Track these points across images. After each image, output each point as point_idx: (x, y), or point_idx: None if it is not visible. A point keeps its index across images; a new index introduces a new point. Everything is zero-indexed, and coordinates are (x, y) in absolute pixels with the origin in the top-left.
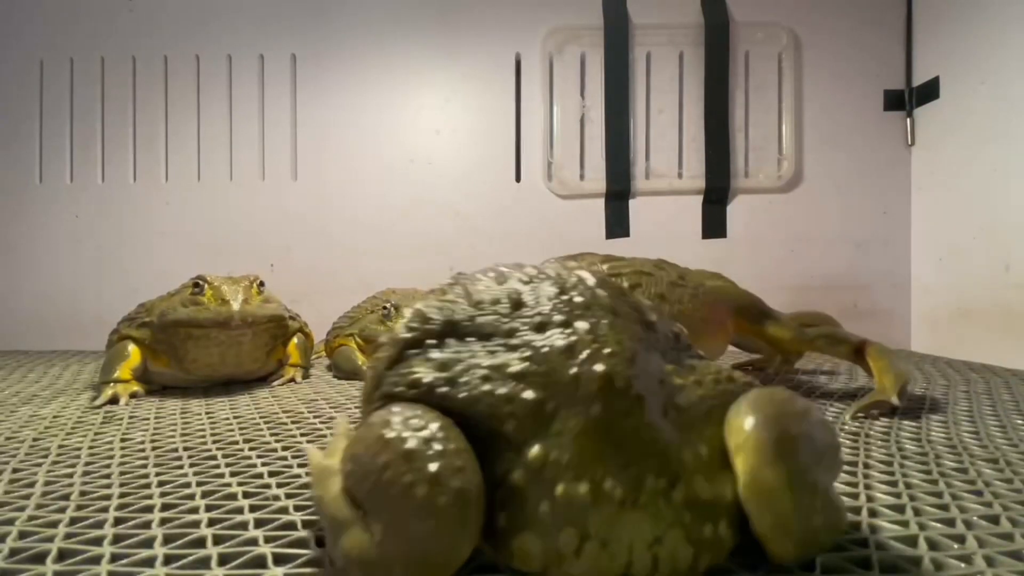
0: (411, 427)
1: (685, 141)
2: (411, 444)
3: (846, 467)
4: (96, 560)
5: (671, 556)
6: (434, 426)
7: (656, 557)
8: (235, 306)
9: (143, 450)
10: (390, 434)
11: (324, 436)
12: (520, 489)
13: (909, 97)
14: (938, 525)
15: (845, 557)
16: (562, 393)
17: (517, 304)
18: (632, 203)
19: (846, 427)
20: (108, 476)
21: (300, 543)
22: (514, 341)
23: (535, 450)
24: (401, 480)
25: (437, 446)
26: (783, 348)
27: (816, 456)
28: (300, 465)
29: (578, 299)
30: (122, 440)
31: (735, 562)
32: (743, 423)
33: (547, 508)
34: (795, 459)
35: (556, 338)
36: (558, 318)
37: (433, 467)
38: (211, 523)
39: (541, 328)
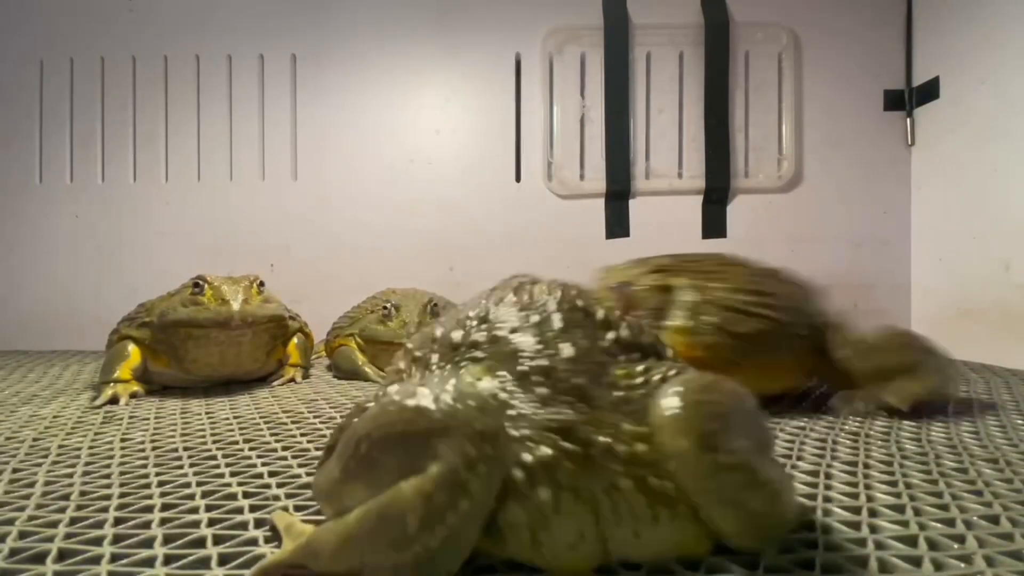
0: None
1: (685, 141)
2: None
3: (846, 467)
4: (96, 560)
5: (628, 503)
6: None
7: (615, 504)
8: (235, 306)
9: (143, 450)
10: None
11: (324, 436)
12: None
13: (909, 97)
14: (938, 525)
15: (845, 557)
16: (513, 384)
17: (483, 320)
18: (632, 203)
19: (846, 427)
20: (108, 476)
21: None
22: (477, 353)
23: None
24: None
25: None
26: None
27: (732, 425)
28: (300, 465)
29: (535, 317)
30: (122, 440)
31: (735, 561)
32: (660, 409)
33: (521, 473)
34: (714, 446)
35: (510, 344)
36: (515, 326)
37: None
38: (211, 523)
39: (495, 341)
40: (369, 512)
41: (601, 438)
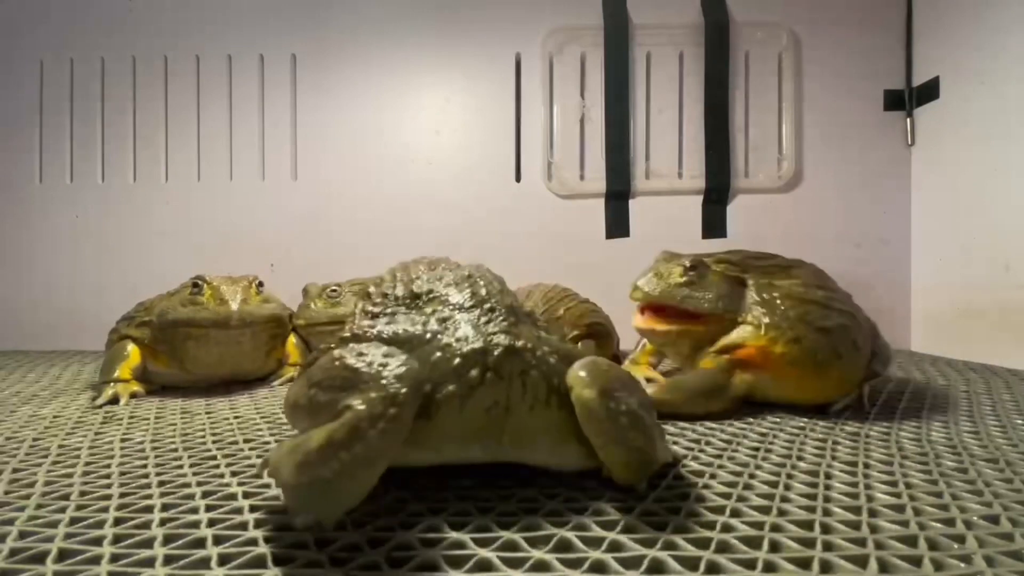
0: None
1: (685, 141)
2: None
3: (846, 467)
4: (96, 560)
5: (534, 385)
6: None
7: (524, 383)
8: (234, 306)
9: (143, 450)
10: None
11: None
12: (438, 362)
13: (909, 97)
14: (938, 525)
15: (845, 556)
16: (463, 311)
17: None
18: (632, 203)
19: (846, 427)
20: (108, 476)
21: (300, 544)
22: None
23: (447, 337)
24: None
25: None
26: None
27: (620, 385)
28: None
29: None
30: (122, 440)
31: (734, 560)
32: (573, 373)
33: (459, 361)
34: (612, 395)
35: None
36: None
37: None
38: (211, 523)
39: (449, 285)
40: (294, 440)
41: (524, 341)
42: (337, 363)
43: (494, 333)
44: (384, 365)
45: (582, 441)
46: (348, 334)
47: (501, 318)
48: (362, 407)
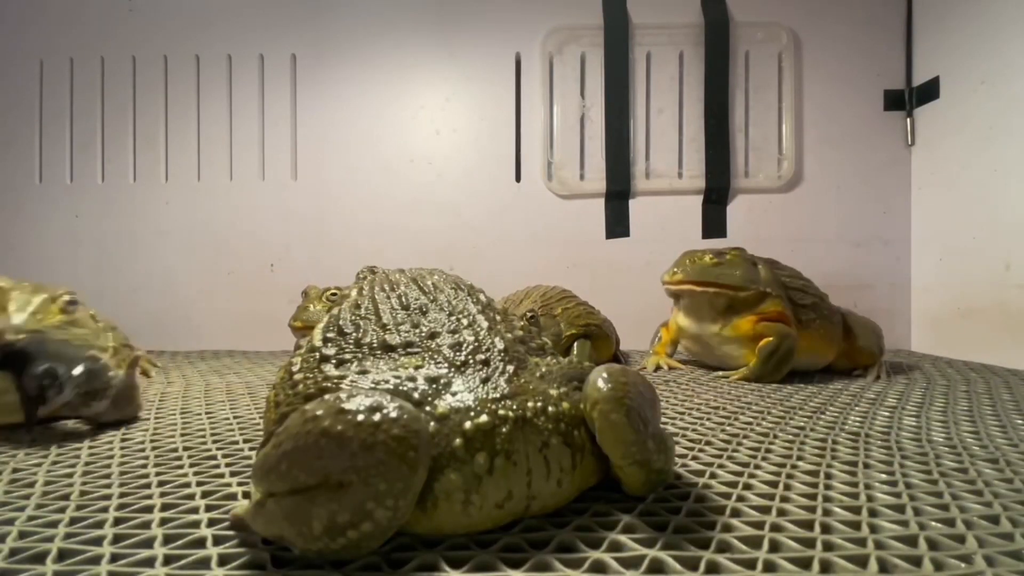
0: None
1: (685, 141)
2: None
3: (846, 467)
4: (96, 560)
5: (557, 457)
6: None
7: (547, 459)
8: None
9: (143, 450)
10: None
11: None
12: (433, 436)
13: (909, 97)
14: (938, 525)
15: (845, 556)
16: (454, 371)
17: (416, 324)
18: (632, 203)
19: (846, 427)
20: (108, 476)
21: None
22: (414, 350)
23: (441, 404)
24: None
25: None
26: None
27: (645, 402)
28: None
29: (464, 320)
30: (122, 440)
31: (734, 560)
32: (594, 388)
33: (460, 442)
34: (638, 418)
35: (445, 337)
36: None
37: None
38: (211, 523)
39: (433, 336)
40: (285, 504)
41: (534, 402)
42: (311, 426)
43: (498, 400)
44: (376, 416)
45: (598, 468)
46: (313, 388)
47: (499, 372)
48: (365, 487)
